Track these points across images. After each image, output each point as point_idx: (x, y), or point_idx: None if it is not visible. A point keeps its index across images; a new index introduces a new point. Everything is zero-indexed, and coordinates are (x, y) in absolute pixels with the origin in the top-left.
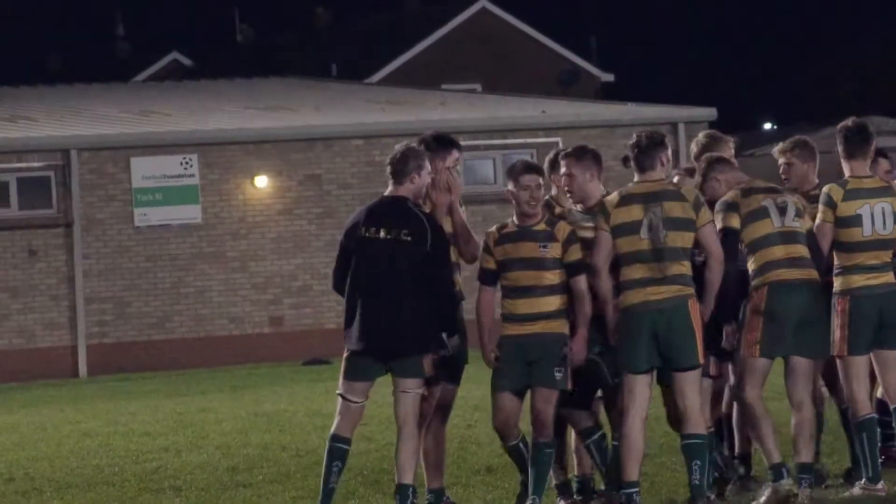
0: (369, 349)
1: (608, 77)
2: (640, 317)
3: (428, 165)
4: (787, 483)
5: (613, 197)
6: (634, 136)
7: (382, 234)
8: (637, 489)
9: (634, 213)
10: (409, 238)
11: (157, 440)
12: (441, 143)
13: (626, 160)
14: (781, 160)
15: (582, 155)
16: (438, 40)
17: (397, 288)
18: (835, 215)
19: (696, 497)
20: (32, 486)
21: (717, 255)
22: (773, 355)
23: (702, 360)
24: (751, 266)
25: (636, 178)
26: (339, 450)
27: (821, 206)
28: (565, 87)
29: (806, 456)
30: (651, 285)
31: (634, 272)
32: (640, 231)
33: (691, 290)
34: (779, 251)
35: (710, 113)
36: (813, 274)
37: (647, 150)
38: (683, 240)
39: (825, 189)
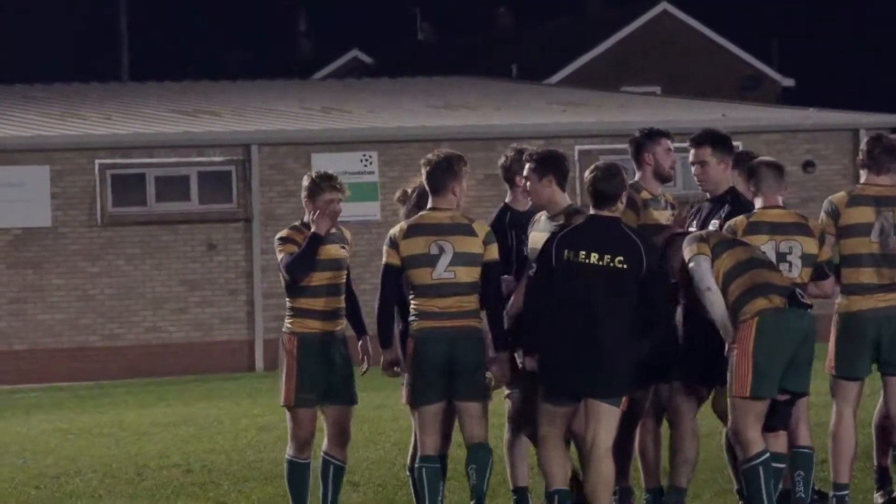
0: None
1: (789, 82)
2: (867, 323)
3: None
4: None
5: (842, 196)
6: (878, 134)
7: (594, 259)
8: (847, 491)
9: (866, 214)
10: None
11: None
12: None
13: (806, 165)
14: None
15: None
16: (619, 42)
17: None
18: None
19: None
20: (210, 479)
21: None
22: None
23: None
24: None
25: (865, 179)
26: None
27: None
28: (746, 93)
29: None
30: (879, 291)
31: (861, 276)
32: (871, 234)
33: None
34: None
35: (892, 119)
36: None
37: (892, 152)
38: None
39: None
